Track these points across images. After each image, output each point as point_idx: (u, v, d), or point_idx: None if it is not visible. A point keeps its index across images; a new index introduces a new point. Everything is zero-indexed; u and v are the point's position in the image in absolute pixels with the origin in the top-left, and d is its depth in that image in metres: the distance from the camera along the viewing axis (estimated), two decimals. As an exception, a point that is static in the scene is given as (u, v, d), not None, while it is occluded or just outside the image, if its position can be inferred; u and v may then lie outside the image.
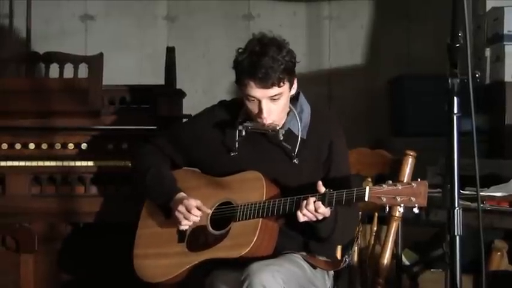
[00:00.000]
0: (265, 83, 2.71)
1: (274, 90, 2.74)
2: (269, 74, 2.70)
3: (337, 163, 2.87)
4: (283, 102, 2.79)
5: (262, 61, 2.70)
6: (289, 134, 2.85)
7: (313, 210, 2.64)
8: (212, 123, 2.94)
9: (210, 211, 2.84)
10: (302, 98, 2.92)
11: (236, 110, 2.90)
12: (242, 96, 2.82)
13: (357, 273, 3.10)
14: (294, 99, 2.88)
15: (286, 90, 2.78)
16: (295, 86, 2.84)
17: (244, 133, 2.84)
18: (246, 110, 2.85)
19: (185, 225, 2.84)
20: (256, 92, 2.74)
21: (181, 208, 2.82)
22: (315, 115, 2.90)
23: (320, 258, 2.87)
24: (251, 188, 2.79)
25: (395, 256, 3.13)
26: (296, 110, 2.87)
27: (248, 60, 2.73)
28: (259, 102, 2.76)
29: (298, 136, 2.84)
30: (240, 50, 2.78)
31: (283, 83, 2.75)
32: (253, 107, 2.79)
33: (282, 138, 2.81)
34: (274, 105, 2.77)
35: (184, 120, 3.51)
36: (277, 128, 2.81)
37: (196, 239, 2.84)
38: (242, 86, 2.77)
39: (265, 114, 2.77)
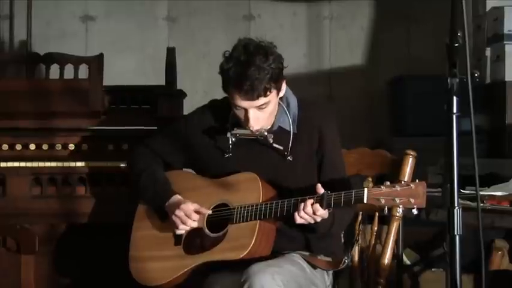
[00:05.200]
0: (251, 95, 2.66)
1: (261, 101, 2.69)
2: (255, 86, 2.64)
3: (329, 151, 2.84)
4: (271, 108, 2.75)
5: (248, 72, 2.64)
6: (281, 132, 2.82)
7: (311, 212, 2.62)
8: (203, 126, 2.91)
9: (208, 212, 2.81)
10: (288, 91, 2.86)
11: (227, 110, 2.85)
12: None
13: (358, 273, 3.10)
14: None
15: (273, 98, 2.74)
16: (283, 89, 2.79)
17: (234, 139, 2.81)
18: (235, 114, 2.81)
19: (182, 229, 2.82)
20: (242, 103, 2.70)
21: (178, 212, 2.79)
22: (302, 105, 2.87)
23: (319, 258, 2.87)
24: (247, 189, 2.77)
25: (396, 256, 3.12)
26: (284, 104, 2.84)
27: (233, 70, 2.67)
28: (246, 111, 2.73)
29: (289, 132, 2.82)
30: (226, 55, 2.73)
31: (270, 91, 2.69)
32: (240, 115, 2.76)
33: (271, 142, 2.78)
34: (261, 113, 2.73)
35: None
36: (265, 134, 2.76)
37: (193, 241, 2.82)
38: (228, 94, 2.74)
39: (252, 122, 2.73)
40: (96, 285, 3.58)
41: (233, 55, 2.70)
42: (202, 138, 2.91)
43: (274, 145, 2.80)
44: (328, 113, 2.90)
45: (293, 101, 2.86)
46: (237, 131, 2.80)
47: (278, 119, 2.83)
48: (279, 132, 2.82)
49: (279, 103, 2.82)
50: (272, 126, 2.82)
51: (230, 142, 2.82)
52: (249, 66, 2.65)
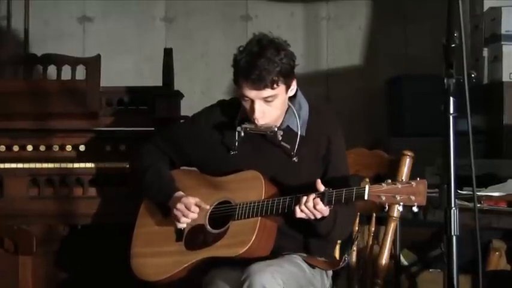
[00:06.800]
0: (258, 85, 2.71)
1: (268, 92, 2.73)
2: (263, 76, 2.69)
3: (335, 159, 2.87)
4: (278, 103, 2.78)
5: (257, 62, 2.70)
6: (288, 132, 2.85)
7: (311, 207, 2.63)
8: (211, 123, 2.94)
9: (208, 207, 2.83)
10: (300, 95, 2.90)
11: (235, 109, 2.89)
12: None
13: (356, 274, 3.10)
14: (292, 97, 2.87)
15: (281, 92, 2.77)
16: (293, 87, 2.83)
17: (243, 134, 2.85)
18: (244, 110, 2.84)
19: (183, 222, 2.84)
20: (249, 92, 2.74)
21: (179, 206, 2.82)
22: (313, 111, 2.90)
23: (319, 258, 2.87)
24: (250, 187, 2.79)
25: (393, 256, 3.13)
26: (294, 107, 2.87)
27: (244, 61, 2.73)
28: (253, 102, 2.76)
29: (297, 133, 2.84)
30: (240, 49, 2.78)
31: (277, 85, 2.73)
32: (247, 106, 2.79)
33: (280, 139, 2.82)
34: (267, 107, 2.76)
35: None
36: (275, 129, 2.80)
37: (194, 237, 2.84)
38: (237, 85, 2.78)
39: (257, 114, 2.76)
40: (94, 286, 3.58)
41: (246, 47, 2.76)
42: (209, 135, 2.93)
43: (282, 143, 2.82)
44: (337, 123, 2.94)
45: (305, 106, 2.89)
46: (247, 125, 2.83)
47: (287, 119, 2.86)
48: (287, 131, 2.85)
49: (289, 105, 2.85)
50: (281, 124, 2.84)
51: (237, 138, 2.85)
52: (259, 57, 2.71)
